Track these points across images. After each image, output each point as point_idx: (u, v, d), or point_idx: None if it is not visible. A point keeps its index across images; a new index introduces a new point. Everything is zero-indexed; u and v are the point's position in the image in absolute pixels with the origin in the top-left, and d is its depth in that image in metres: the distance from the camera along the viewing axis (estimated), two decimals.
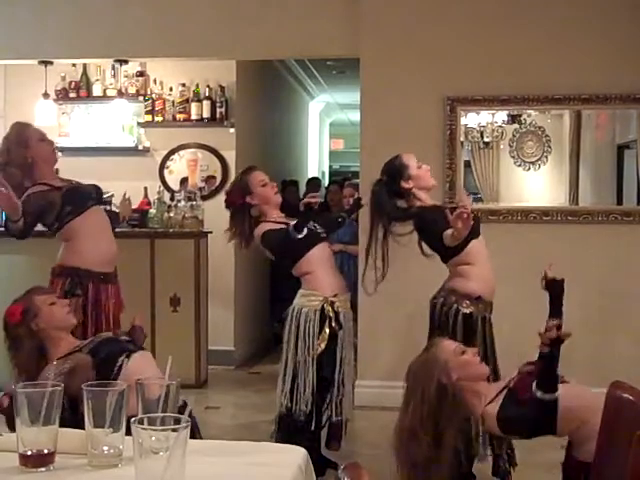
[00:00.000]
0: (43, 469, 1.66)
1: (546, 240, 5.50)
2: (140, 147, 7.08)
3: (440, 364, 2.91)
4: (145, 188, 6.63)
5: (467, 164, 5.88)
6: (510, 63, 5.51)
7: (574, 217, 5.54)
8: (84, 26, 6.06)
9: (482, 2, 5.59)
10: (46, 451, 1.66)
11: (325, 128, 14.24)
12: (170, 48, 6.06)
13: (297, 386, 3.91)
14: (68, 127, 7.09)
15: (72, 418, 1.80)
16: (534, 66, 5.48)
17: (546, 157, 5.89)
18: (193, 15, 5.96)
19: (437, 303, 3.79)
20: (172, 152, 7.10)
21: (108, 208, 4.72)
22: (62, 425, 1.70)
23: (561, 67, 5.47)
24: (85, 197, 4.18)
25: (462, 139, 5.69)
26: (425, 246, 3.91)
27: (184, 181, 6.96)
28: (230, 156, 7.01)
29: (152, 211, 6.30)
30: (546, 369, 2.75)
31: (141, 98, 6.97)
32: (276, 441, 3.86)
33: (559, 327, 2.82)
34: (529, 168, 5.90)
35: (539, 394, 2.73)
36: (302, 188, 9.21)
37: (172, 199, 6.50)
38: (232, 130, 6.96)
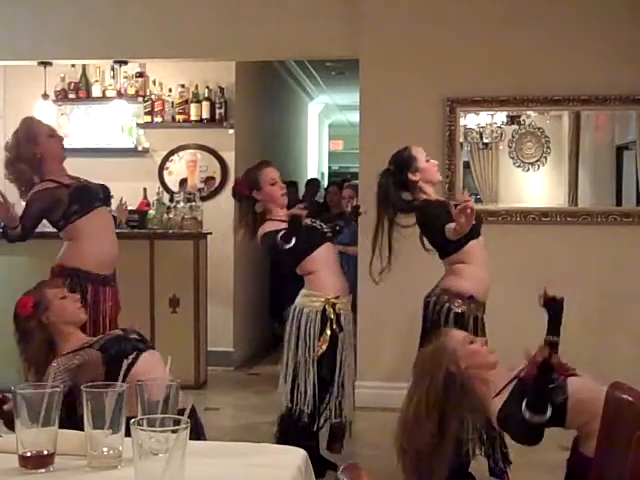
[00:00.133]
0: (43, 470, 1.66)
1: (545, 241, 5.51)
2: (139, 148, 7.08)
3: (449, 353, 2.91)
4: (144, 189, 6.63)
5: (466, 165, 5.88)
6: (509, 64, 5.51)
7: (573, 218, 5.54)
8: (83, 27, 6.06)
9: (482, 4, 5.59)
10: (45, 452, 1.66)
11: (324, 129, 14.25)
12: (169, 49, 6.06)
13: (297, 386, 3.92)
14: (67, 128, 7.08)
15: (67, 420, 1.79)
16: (533, 67, 5.49)
17: (545, 158, 5.89)
18: (192, 16, 5.96)
19: (430, 302, 3.81)
20: (171, 153, 7.10)
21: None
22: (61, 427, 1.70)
23: (560, 68, 5.47)
24: (92, 197, 4.18)
25: (461, 140, 5.69)
26: (427, 241, 3.92)
27: (183, 182, 6.97)
28: (229, 157, 7.01)
29: (151, 212, 6.30)
30: (534, 392, 2.73)
31: (140, 99, 6.97)
32: (277, 441, 3.86)
33: (554, 345, 2.81)
34: (528, 169, 5.90)
35: (527, 415, 2.72)
36: (301, 189, 9.22)
37: (171, 200, 6.50)
38: (231, 131, 6.96)
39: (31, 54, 6.22)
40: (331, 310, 3.94)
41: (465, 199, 3.55)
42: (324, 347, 3.93)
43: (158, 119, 6.97)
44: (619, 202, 5.84)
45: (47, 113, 6.66)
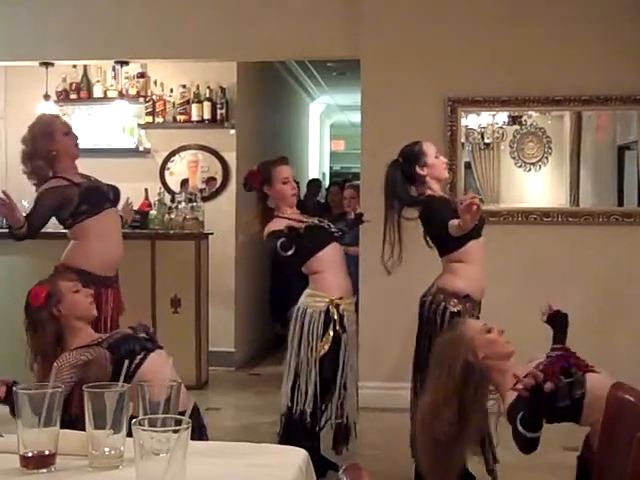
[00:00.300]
0: (44, 470, 1.66)
1: (547, 241, 5.51)
2: (141, 148, 7.08)
3: (466, 341, 2.91)
4: (146, 189, 6.63)
5: (468, 165, 5.88)
6: (510, 64, 5.51)
7: (575, 218, 5.54)
8: (85, 28, 6.07)
9: (482, 4, 5.59)
10: (47, 452, 1.66)
11: (325, 129, 14.25)
12: (171, 50, 6.07)
13: (298, 386, 3.92)
14: None
15: (64, 417, 1.78)
16: (534, 67, 5.49)
17: (547, 158, 5.89)
18: (193, 17, 5.96)
19: (426, 301, 3.82)
20: (173, 153, 7.10)
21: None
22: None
23: (561, 68, 5.47)
24: (102, 198, 4.18)
25: (463, 140, 5.69)
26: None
27: (185, 182, 6.97)
28: (231, 157, 7.02)
29: (153, 212, 6.30)
30: (531, 409, 2.73)
31: (142, 99, 6.98)
32: (279, 441, 3.86)
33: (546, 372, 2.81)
34: (530, 169, 5.90)
35: (520, 429, 2.72)
36: (303, 189, 9.22)
37: (173, 200, 6.51)
38: (233, 131, 6.96)
39: (32, 55, 6.22)
40: (335, 311, 3.94)
41: (472, 196, 3.56)
42: (326, 348, 3.92)
43: (159, 119, 6.97)
44: (620, 202, 5.84)
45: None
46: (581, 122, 5.94)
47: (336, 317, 3.93)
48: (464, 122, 5.72)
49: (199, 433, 3.09)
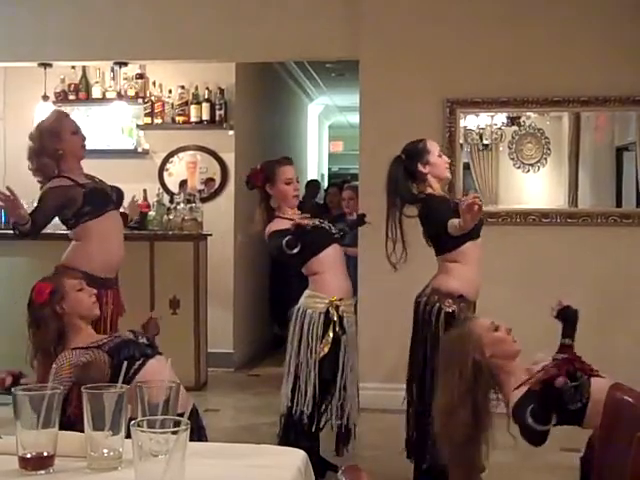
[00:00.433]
0: (43, 472, 1.66)
1: (545, 242, 5.51)
2: (139, 149, 7.08)
3: (474, 339, 2.92)
4: (144, 190, 6.63)
5: (466, 166, 5.87)
6: (509, 65, 5.51)
7: (573, 219, 5.54)
8: (83, 28, 6.07)
9: (482, 4, 5.59)
10: (46, 454, 1.66)
11: (324, 130, 14.24)
12: (169, 51, 6.07)
13: (298, 387, 3.91)
14: None
15: (62, 418, 1.78)
16: (533, 68, 5.49)
17: (545, 159, 5.89)
18: (192, 18, 5.96)
19: (421, 302, 3.82)
20: (171, 154, 7.10)
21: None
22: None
23: (560, 69, 5.48)
24: (105, 200, 4.18)
25: (461, 141, 5.69)
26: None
27: (183, 183, 6.97)
28: (229, 158, 7.02)
29: (151, 213, 6.30)
30: (540, 404, 2.74)
31: (140, 100, 6.98)
32: (279, 442, 3.86)
33: (568, 347, 2.82)
34: (528, 170, 5.90)
35: (530, 421, 2.72)
36: (301, 190, 9.21)
37: (171, 201, 6.50)
38: (231, 132, 6.96)
39: (31, 56, 6.22)
40: (334, 312, 3.93)
41: (474, 196, 3.57)
42: (326, 349, 3.92)
43: (158, 120, 6.97)
44: (619, 203, 5.84)
45: (47, 115, 6.65)
46: (580, 123, 5.94)
47: (336, 318, 3.93)
48: (463, 123, 5.72)
49: (198, 434, 3.09)
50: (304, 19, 5.84)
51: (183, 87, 6.94)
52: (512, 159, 5.92)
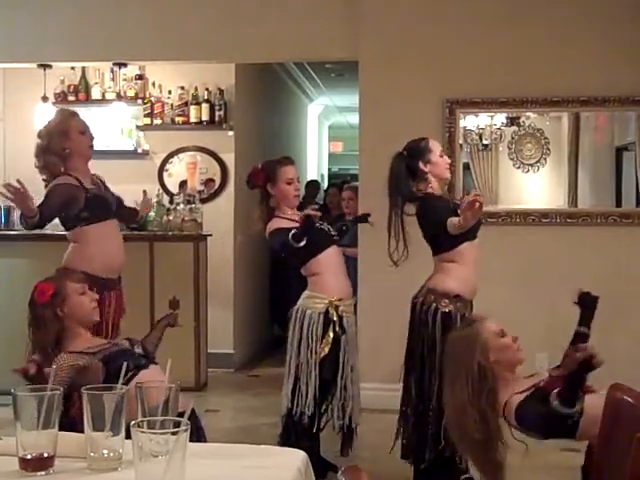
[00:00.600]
0: (43, 473, 1.66)
1: (545, 242, 5.51)
2: (139, 150, 7.08)
3: (481, 342, 2.93)
4: (144, 191, 6.57)
5: (466, 166, 5.87)
6: (509, 65, 5.52)
7: (573, 219, 5.55)
8: (83, 29, 6.06)
9: (482, 4, 5.59)
10: (46, 455, 1.66)
11: (324, 131, 14.24)
12: (169, 51, 6.07)
13: (298, 388, 3.91)
14: None
15: (63, 419, 1.78)
16: (533, 68, 5.49)
17: (545, 159, 5.89)
18: (192, 18, 5.96)
19: (417, 302, 3.82)
20: (171, 155, 7.10)
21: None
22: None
23: (560, 69, 5.48)
24: (105, 210, 4.19)
25: (461, 141, 5.70)
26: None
27: (183, 184, 6.97)
28: (229, 159, 7.02)
29: (151, 214, 6.29)
30: (570, 385, 2.75)
31: (140, 101, 6.98)
32: (279, 442, 3.86)
33: (584, 336, 2.84)
34: (528, 170, 5.90)
35: (555, 403, 2.73)
36: (301, 191, 9.21)
37: (171, 202, 6.51)
38: (231, 133, 6.96)
39: (30, 57, 6.22)
40: (334, 312, 3.93)
41: (475, 193, 3.57)
42: (326, 350, 3.92)
43: (158, 121, 6.97)
44: (619, 203, 5.84)
45: (47, 116, 6.65)
46: (579, 123, 5.94)
47: (335, 318, 3.93)
48: (462, 123, 5.72)
49: (197, 435, 3.09)
50: (304, 19, 5.84)
51: (183, 88, 6.94)
52: (512, 159, 5.92)
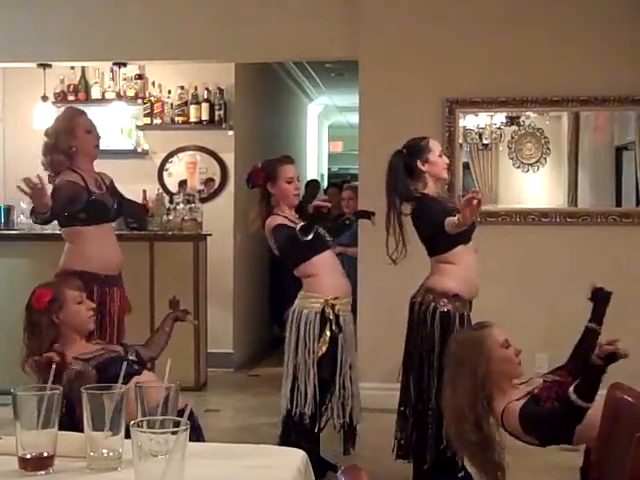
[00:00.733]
0: (42, 472, 1.66)
1: (545, 242, 5.51)
2: (139, 150, 7.08)
3: (485, 350, 2.93)
4: (144, 191, 6.61)
5: (466, 166, 5.88)
6: (509, 65, 5.52)
7: (573, 219, 5.54)
8: (83, 29, 6.06)
9: (482, 4, 5.59)
10: (45, 454, 1.66)
11: (324, 130, 14.24)
12: (169, 51, 6.06)
13: (297, 388, 3.91)
14: None
15: (69, 420, 1.79)
16: (533, 68, 5.49)
17: (545, 159, 5.89)
18: (192, 18, 5.96)
19: (415, 302, 3.81)
20: (171, 155, 7.10)
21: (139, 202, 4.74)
22: (59, 428, 1.70)
23: (560, 69, 5.48)
24: (104, 215, 4.20)
25: (461, 141, 5.69)
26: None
27: (183, 184, 6.96)
28: (229, 159, 7.02)
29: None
30: (591, 379, 2.75)
31: (140, 101, 6.97)
32: (279, 442, 3.86)
33: (594, 332, 2.85)
34: (528, 170, 5.90)
35: (573, 397, 2.73)
36: (301, 190, 9.20)
37: (171, 202, 6.50)
38: (231, 133, 6.96)
39: (30, 56, 6.22)
40: (330, 311, 3.93)
41: (473, 191, 3.56)
42: (324, 349, 3.92)
43: (157, 121, 6.97)
44: (618, 203, 5.84)
45: (46, 115, 6.65)
46: (579, 123, 5.94)
47: (332, 317, 3.93)
48: (462, 123, 5.72)
49: (196, 435, 3.09)
50: (304, 19, 5.84)
51: (182, 87, 6.94)
52: (512, 159, 5.92)
